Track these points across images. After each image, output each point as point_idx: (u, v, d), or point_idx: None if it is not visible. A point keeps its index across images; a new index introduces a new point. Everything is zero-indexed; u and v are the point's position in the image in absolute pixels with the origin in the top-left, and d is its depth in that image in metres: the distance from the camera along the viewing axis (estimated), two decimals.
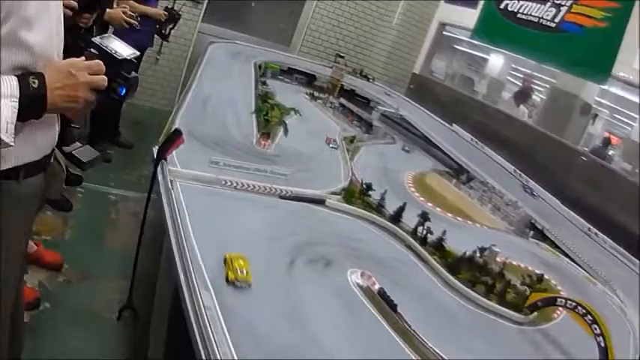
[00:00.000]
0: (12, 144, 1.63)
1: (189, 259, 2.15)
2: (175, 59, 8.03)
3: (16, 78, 1.65)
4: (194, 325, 1.86)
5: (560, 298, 2.66)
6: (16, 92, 1.63)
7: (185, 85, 4.66)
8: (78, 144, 2.41)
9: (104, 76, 1.83)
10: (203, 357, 1.74)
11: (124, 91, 1.91)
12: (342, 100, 5.85)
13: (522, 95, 7.73)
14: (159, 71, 8.00)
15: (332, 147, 4.16)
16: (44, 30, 1.79)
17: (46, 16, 1.80)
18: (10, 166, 1.87)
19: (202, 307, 1.90)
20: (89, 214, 4.70)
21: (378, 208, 3.28)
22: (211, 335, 1.79)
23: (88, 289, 3.73)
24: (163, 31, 6.03)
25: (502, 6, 7.36)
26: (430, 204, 3.81)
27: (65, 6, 2.27)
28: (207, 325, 1.83)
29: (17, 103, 1.63)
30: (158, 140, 2.99)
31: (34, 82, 1.68)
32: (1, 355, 2.27)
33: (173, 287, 2.26)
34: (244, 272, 2.17)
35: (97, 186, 5.13)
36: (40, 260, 3.74)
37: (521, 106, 7.57)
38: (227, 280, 2.14)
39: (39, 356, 3.04)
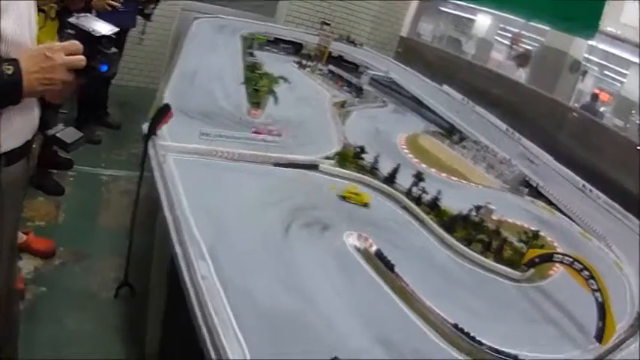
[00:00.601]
0: None
1: (183, 230, 2.15)
2: (159, 38, 7.93)
3: None
4: (192, 295, 1.87)
5: (557, 254, 2.65)
6: None
7: (170, 61, 4.62)
8: (61, 126, 2.37)
9: (81, 56, 1.78)
10: (202, 326, 1.74)
11: (105, 67, 1.89)
12: (331, 67, 5.79)
13: (523, 58, 7.70)
14: (143, 51, 7.90)
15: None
16: (14, 17, 1.77)
17: (14, 3, 1.77)
18: None
19: (199, 277, 1.90)
20: (81, 196, 4.67)
21: (372, 171, 3.27)
22: (209, 304, 1.79)
23: (84, 269, 3.72)
24: (146, 11, 5.95)
25: None
26: (424, 165, 3.80)
27: None
28: (205, 294, 1.84)
29: None
30: (147, 118, 2.96)
31: (8, 69, 1.65)
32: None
33: (169, 261, 2.26)
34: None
35: (88, 168, 5.10)
36: (31, 248, 3.71)
37: (520, 69, 7.54)
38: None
39: (36, 339, 3.03)
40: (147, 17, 6.15)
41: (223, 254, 2.08)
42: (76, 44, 1.79)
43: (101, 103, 6.20)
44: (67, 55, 1.75)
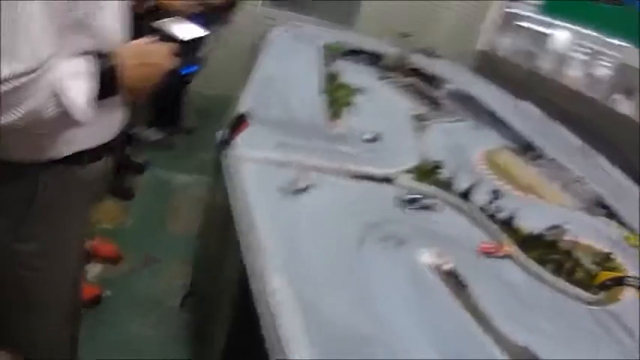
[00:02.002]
0: (90, 122, 1.65)
1: (255, 241, 2.12)
2: (236, 44, 7.96)
3: (92, 57, 1.66)
4: (263, 306, 1.84)
5: (630, 277, 2.59)
6: (92, 70, 1.64)
7: (247, 69, 4.61)
8: (142, 127, 2.39)
9: (177, 58, 1.87)
10: (272, 340, 1.71)
11: (188, 71, 1.93)
12: (409, 79, 5.71)
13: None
14: (219, 57, 7.96)
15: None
16: (114, 14, 1.79)
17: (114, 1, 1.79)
18: (76, 151, 1.86)
19: (271, 290, 1.87)
20: (150, 200, 4.71)
21: (449, 186, 3.18)
22: (280, 318, 1.76)
23: (151, 275, 3.75)
24: (222, 17, 5.99)
25: None
26: (500, 182, 3.66)
27: None
28: (276, 307, 1.80)
29: (94, 82, 1.64)
30: (221, 125, 2.98)
31: (109, 62, 1.68)
32: (56, 340, 2.27)
33: (239, 272, 2.21)
34: None
35: (159, 172, 5.13)
36: (96, 253, 3.73)
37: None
38: None
39: (97, 342, 3.03)
40: (224, 23, 6.20)
41: (295, 267, 2.04)
42: (172, 46, 1.88)
43: (176, 107, 6.25)
44: (163, 56, 1.84)
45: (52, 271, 2.02)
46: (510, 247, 2.74)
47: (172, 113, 6.06)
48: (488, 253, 2.67)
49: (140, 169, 4.91)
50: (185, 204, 4.64)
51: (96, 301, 3.35)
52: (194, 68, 1.96)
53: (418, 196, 2.95)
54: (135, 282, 3.60)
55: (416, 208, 2.87)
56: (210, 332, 2.94)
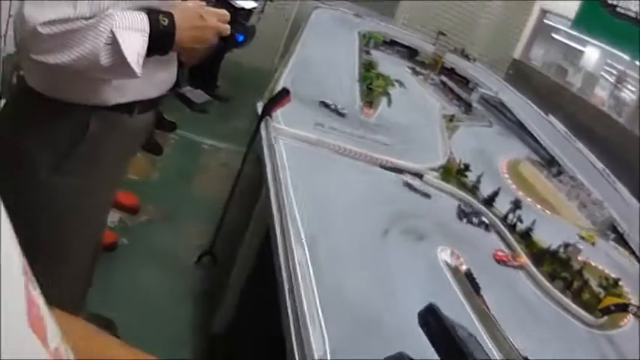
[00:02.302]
0: (139, 75, 1.67)
1: (287, 213, 2.18)
2: (278, 20, 8.02)
3: (146, 15, 1.69)
4: (284, 278, 1.90)
5: (634, 305, 2.65)
6: (147, 28, 1.68)
7: (287, 46, 4.66)
8: (189, 87, 2.45)
9: (228, 25, 1.87)
10: (289, 311, 1.77)
11: (241, 38, 1.98)
12: (443, 78, 5.78)
13: None
14: (260, 30, 7.96)
15: None
16: None
17: None
18: (127, 101, 1.91)
19: (296, 262, 1.93)
20: (179, 160, 4.75)
21: (473, 190, 3.25)
22: (301, 291, 1.82)
23: (169, 230, 3.75)
24: None
25: None
26: (521, 192, 3.76)
27: None
28: (299, 280, 1.86)
29: (147, 38, 1.68)
30: (257, 96, 3.08)
31: (164, 20, 1.72)
32: (76, 281, 2.32)
33: (262, 240, 2.36)
34: None
35: (190, 135, 5.18)
36: (116, 201, 3.78)
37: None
38: None
39: (109, 287, 3.09)
40: None
41: (321, 244, 2.10)
42: (225, 13, 1.88)
43: (213, 73, 6.30)
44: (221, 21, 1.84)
45: (84, 211, 2.08)
46: (524, 259, 2.82)
47: (209, 78, 6.12)
48: (502, 262, 2.75)
49: (172, 127, 4.96)
50: (212, 168, 4.66)
51: (112, 247, 3.37)
52: (243, 37, 2.02)
53: (477, 211, 3.05)
54: (152, 234, 3.61)
55: (474, 224, 2.96)
56: (222, 295, 3.01)
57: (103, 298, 2.92)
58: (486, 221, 3.00)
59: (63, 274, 2.24)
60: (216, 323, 3.03)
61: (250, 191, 3.10)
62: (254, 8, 2.00)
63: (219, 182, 4.28)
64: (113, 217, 3.62)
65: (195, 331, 3.09)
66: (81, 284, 2.36)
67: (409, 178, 3.04)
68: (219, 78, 6.42)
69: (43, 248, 2.13)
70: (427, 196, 2.99)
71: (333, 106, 3.56)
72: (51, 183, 1.94)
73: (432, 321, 1.27)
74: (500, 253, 2.77)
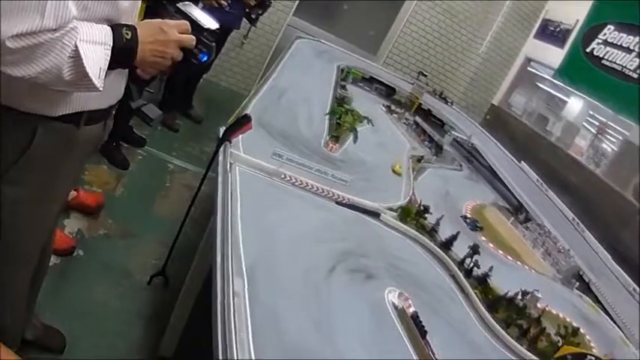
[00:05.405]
0: (100, 89, 1.70)
1: (230, 242, 2.13)
2: (260, 46, 8.09)
3: (110, 28, 1.70)
4: (219, 306, 1.86)
5: (591, 355, 2.58)
6: (110, 41, 1.69)
7: (264, 73, 4.67)
8: (142, 101, 2.44)
9: (192, 36, 1.89)
10: (219, 340, 1.73)
11: (204, 57, 2.00)
12: (417, 119, 5.76)
13: None
14: (242, 55, 8.05)
15: None
16: None
17: None
18: (73, 111, 1.91)
19: (231, 293, 1.89)
20: (144, 176, 4.73)
21: (431, 233, 3.22)
22: (233, 321, 1.77)
23: (126, 247, 3.74)
24: (252, 16, 6.06)
25: (588, 49, 7.26)
26: (483, 237, 3.73)
27: None
28: (232, 310, 1.82)
29: (110, 52, 1.69)
30: (227, 121, 3.01)
31: (127, 34, 1.74)
32: (20, 289, 2.30)
33: (208, 265, 2.25)
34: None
35: (159, 152, 5.17)
36: (81, 204, 3.76)
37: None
38: None
39: (59, 298, 3.06)
40: (252, 22, 6.28)
41: (262, 277, 2.06)
42: (187, 24, 1.90)
43: (188, 93, 6.32)
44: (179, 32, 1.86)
45: (32, 220, 2.07)
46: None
47: (182, 98, 6.13)
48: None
49: (141, 142, 4.96)
50: (176, 188, 4.63)
51: (69, 251, 3.36)
52: (207, 56, 2.02)
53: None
54: (109, 249, 3.58)
55: None
56: (170, 316, 2.95)
57: (55, 309, 2.94)
58: None
59: (6, 280, 2.22)
60: (164, 346, 2.99)
61: (206, 215, 3.07)
62: (217, 29, 2.00)
63: (181, 203, 4.27)
64: (72, 227, 3.61)
65: (143, 351, 3.06)
66: (25, 290, 2.34)
67: (365, 217, 3.02)
68: (194, 99, 6.43)
69: None
70: (381, 235, 2.96)
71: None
72: None
73: None
74: None
